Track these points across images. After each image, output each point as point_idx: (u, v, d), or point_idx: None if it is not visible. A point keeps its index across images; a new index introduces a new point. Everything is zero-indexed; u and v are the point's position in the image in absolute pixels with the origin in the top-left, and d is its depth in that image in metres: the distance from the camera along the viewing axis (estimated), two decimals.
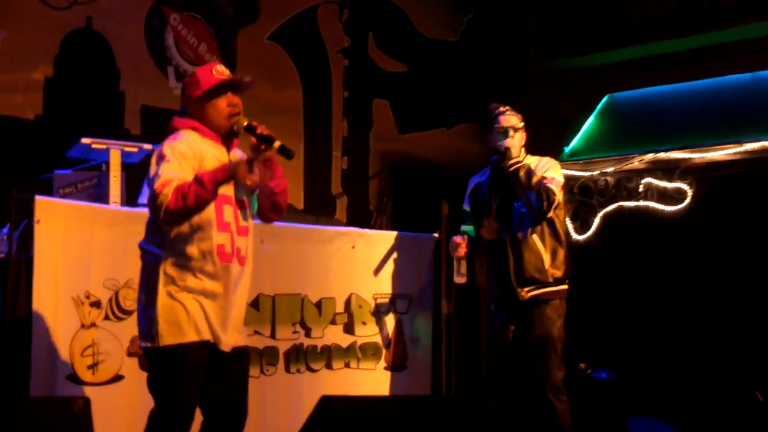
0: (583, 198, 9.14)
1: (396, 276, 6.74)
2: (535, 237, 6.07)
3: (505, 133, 6.13)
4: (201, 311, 4.35)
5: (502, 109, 6.25)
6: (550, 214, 6.05)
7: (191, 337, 4.32)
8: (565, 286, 6.16)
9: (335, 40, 9.05)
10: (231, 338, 4.47)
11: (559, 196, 6.09)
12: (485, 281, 6.29)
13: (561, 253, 6.13)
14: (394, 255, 6.76)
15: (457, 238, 6.23)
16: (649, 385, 8.06)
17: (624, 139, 9.50)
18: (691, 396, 7.71)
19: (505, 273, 6.09)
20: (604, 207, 9.05)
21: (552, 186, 6.01)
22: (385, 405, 5.62)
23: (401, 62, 9.57)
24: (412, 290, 6.81)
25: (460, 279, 6.21)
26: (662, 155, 8.81)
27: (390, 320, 6.65)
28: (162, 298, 4.31)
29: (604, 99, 9.81)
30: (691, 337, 8.32)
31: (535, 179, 5.97)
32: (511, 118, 6.18)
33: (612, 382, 8.11)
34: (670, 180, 8.74)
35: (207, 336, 4.37)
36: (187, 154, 4.34)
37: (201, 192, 4.23)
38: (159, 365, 4.36)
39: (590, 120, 9.85)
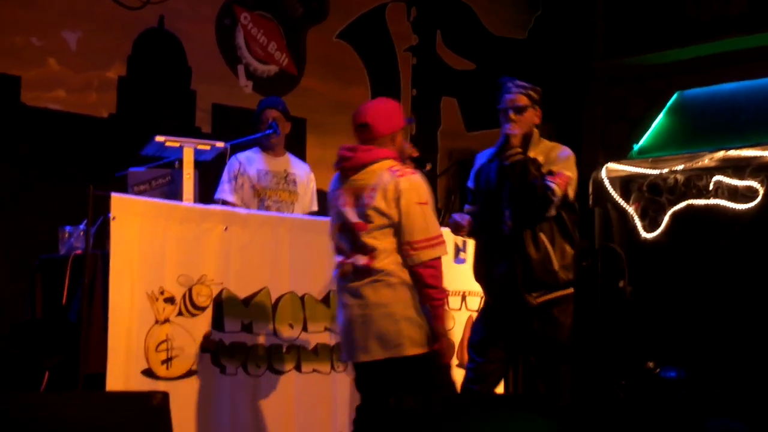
0: (652, 196, 9.10)
1: (465, 273, 6.71)
2: (542, 235, 5.28)
3: (505, 114, 5.27)
4: None
5: (508, 84, 5.32)
6: (552, 213, 5.25)
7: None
8: (572, 290, 5.43)
9: (403, 38, 9.08)
10: None
11: (570, 193, 5.29)
12: (485, 279, 5.60)
13: (570, 253, 5.35)
14: (463, 252, 6.73)
15: (461, 219, 5.48)
16: (720, 384, 7.99)
17: (694, 137, 9.43)
18: (764, 395, 7.63)
19: (511, 275, 5.34)
20: (674, 205, 8.99)
21: (553, 185, 5.18)
22: (458, 402, 5.60)
23: (469, 60, 9.57)
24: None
25: (459, 262, 6.03)
26: (733, 153, 8.73)
27: (461, 317, 6.62)
28: (417, 311, 4.63)
29: (674, 96, 9.74)
30: (762, 335, 8.23)
31: (530, 176, 5.15)
32: (515, 97, 5.28)
33: (681, 380, 8.05)
34: (741, 178, 8.66)
35: None
36: None
37: None
38: (430, 368, 4.70)
39: (660, 117, 9.79)
